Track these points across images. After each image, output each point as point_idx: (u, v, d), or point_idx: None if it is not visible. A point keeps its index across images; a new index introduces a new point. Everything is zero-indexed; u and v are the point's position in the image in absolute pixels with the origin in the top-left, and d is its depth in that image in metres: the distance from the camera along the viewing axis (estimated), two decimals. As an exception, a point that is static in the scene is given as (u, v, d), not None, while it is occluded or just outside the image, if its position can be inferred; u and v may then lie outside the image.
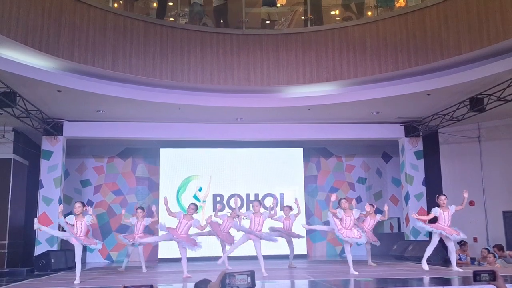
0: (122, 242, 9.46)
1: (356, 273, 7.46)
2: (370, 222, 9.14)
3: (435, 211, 7.78)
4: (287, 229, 9.32)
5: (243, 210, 11.68)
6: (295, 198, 9.68)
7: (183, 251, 7.93)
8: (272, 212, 8.81)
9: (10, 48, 7.52)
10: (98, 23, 8.59)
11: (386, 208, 9.32)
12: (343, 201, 8.08)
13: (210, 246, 9.88)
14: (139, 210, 9.14)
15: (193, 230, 8.35)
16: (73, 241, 7.37)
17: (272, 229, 9.29)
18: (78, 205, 7.50)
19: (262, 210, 8.47)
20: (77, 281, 7.16)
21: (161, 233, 8.69)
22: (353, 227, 7.98)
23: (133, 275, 8.42)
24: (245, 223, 8.61)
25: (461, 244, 9.85)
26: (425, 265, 7.72)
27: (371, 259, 9.38)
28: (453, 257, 7.75)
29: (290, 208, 9.52)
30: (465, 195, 7.73)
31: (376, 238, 9.28)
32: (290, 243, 9.59)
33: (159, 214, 10.64)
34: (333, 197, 8.13)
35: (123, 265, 9.27)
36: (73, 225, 7.38)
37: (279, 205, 12.80)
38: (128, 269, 9.26)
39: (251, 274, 1.99)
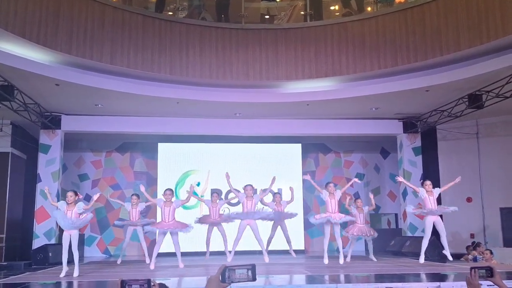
0: (119, 227, 9.57)
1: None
2: (360, 216, 8.96)
3: (422, 193, 7.91)
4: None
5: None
6: (290, 187, 9.58)
7: (175, 238, 7.92)
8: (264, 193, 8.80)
9: (7, 41, 7.49)
10: (96, 16, 8.54)
11: (371, 196, 9.39)
12: (330, 185, 8.38)
13: (212, 240, 9.83)
14: (134, 197, 9.40)
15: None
16: (66, 233, 7.32)
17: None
18: (70, 194, 7.37)
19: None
20: (76, 273, 7.17)
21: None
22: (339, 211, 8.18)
23: (130, 269, 8.41)
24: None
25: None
26: (422, 259, 7.73)
27: (372, 254, 9.38)
28: (444, 240, 7.83)
29: (281, 196, 9.51)
30: (457, 180, 7.92)
31: (373, 230, 9.23)
32: (284, 230, 9.31)
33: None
34: (308, 177, 8.50)
35: (120, 256, 9.44)
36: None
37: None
38: (127, 263, 9.25)
39: (252, 268, 1.98)
